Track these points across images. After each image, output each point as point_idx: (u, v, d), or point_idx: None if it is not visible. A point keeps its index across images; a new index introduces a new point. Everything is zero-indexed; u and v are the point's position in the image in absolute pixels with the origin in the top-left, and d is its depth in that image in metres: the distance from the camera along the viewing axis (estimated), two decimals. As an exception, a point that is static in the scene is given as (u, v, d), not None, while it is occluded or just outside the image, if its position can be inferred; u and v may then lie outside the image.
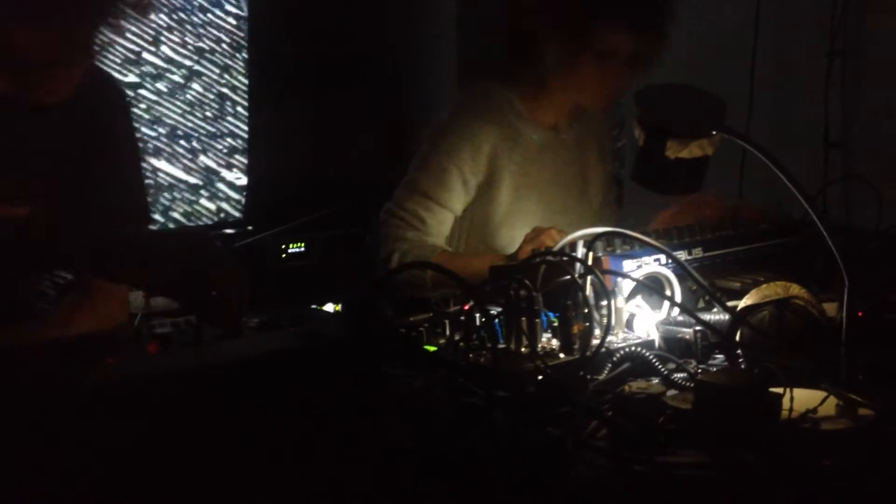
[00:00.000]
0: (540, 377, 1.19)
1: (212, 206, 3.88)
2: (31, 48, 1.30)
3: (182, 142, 3.74)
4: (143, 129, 3.57)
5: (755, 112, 2.82)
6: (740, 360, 1.27)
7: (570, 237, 1.48)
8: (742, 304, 1.35)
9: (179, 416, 0.82)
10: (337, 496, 0.89)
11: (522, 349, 1.29)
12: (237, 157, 3.95)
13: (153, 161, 3.62)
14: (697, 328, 1.33)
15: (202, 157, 3.82)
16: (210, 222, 3.88)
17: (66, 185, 1.51)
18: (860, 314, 1.30)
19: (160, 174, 3.65)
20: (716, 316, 1.38)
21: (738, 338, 1.30)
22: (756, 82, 2.85)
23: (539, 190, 2.11)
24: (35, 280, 1.59)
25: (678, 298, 1.44)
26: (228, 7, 3.83)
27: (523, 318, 1.30)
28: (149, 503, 0.80)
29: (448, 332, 1.36)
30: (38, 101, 1.39)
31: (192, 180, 3.79)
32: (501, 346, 1.30)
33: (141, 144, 3.33)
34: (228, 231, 3.90)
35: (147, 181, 3.54)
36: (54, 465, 0.79)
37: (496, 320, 1.30)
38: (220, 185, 3.90)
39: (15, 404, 0.83)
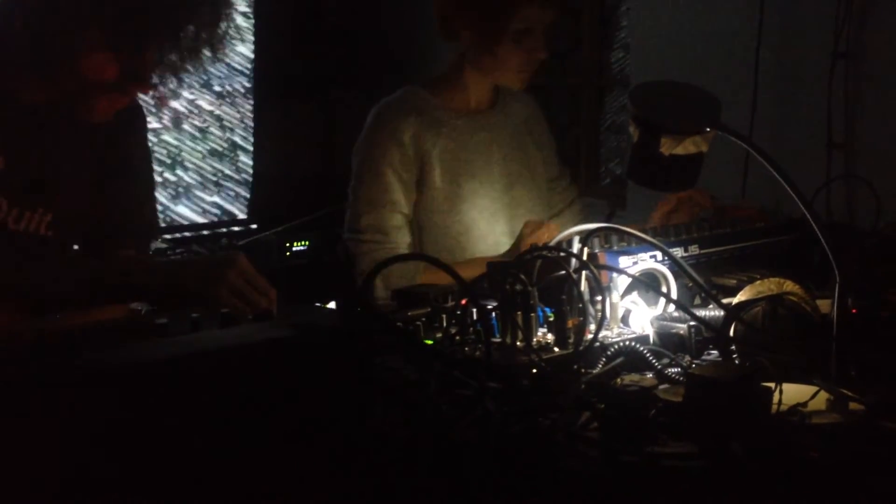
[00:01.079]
0: (534, 370, 1.20)
1: (216, 205, 3.90)
2: (93, 70, 1.36)
3: (187, 141, 3.76)
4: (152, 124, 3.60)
5: (758, 113, 2.83)
6: (733, 355, 1.28)
7: (566, 232, 1.50)
8: (736, 300, 1.36)
9: (173, 401, 0.83)
10: (327, 484, 0.90)
11: (518, 343, 1.30)
12: (242, 156, 3.97)
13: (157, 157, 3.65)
14: (692, 324, 1.34)
15: (206, 157, 3.85)
16: (214, 220, 3.91)
17: (88, 196, 1.56)
18: (854, 311, 1.31)
19: (165, 172, 3.68)
20: (710, 312, 1.39)
21: (731, 333, 1.30)
22: (759, 83, 2.85)
23: (476, 173, 2.10)
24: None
25: (674, 295, 1.45)
26: (235, 2, 3.85)
27: (519, 313, 1.31)
28: (143, 486, 0.81)
29: (445, 327, 1.37)
30: (79, 117, 1.45)
31: (197, 179, 3.82)
32: (497, 340, 1.31)
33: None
34: (233, 229, 3.93)
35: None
36: (55, 451, 0.81)
37: (492, 315, 1.32)
38: (225, 184, 3.93)
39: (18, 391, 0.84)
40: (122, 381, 0.81)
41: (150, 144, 1.71)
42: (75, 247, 1.61)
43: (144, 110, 1.67)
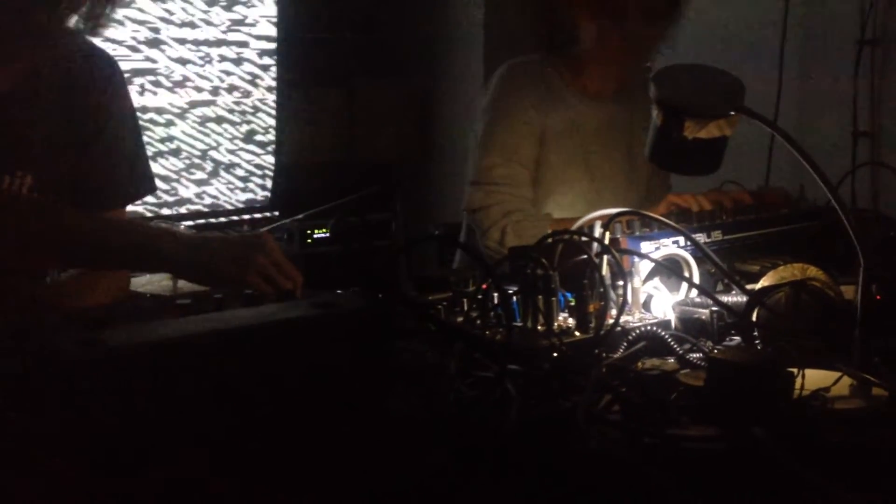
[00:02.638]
0: (554, 353, 1.20)
1: (239, 192, 3.91)
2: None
3: (211, 125, 3.77)
4: (171, 111, 3.61)
5: (783, 100, 2.81)
6: (756, 340, 1.27)
7: (587, 217, 1.49)
8: (759, 285, 1.35)
9: (193, 379, 0.84)
10: (347, 464, 0.90)
11: (539, 327, 1.30)
12: (265, 142, 3.98)
13: (180, 142, 3.66)
14: (714, 309, 1.34)
15: (229, 143, 3.86)
16: (238, 207, 3.92)
17: (68, 157, 1.54)
18: (878, 297, 1.30)
19: (186, 158, 3.70)
20: (733, 298, 1.38)
21: (754, 318, 1.30)
22: (784, 70, 2.83)
23: (585, 156, 2.15)
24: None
25: (696, 280, 1.45)
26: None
27: (540, 297, 1.31)
28: (162, 465, 0.82)
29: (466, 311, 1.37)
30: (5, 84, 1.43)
31: (221, 165, 3.83)
32: (519, 324, 1.31)
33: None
34: (255, 216, 3.94)
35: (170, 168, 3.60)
36: (76, 428, 0.82)
37: (514, 299, 1.32)
38: (247, 171, 3.94)
39: (41, 370, 0.85)
40: (144, 358, 0.82)
41: (131, 102, 1.67)
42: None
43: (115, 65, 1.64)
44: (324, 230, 3.81)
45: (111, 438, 0.80)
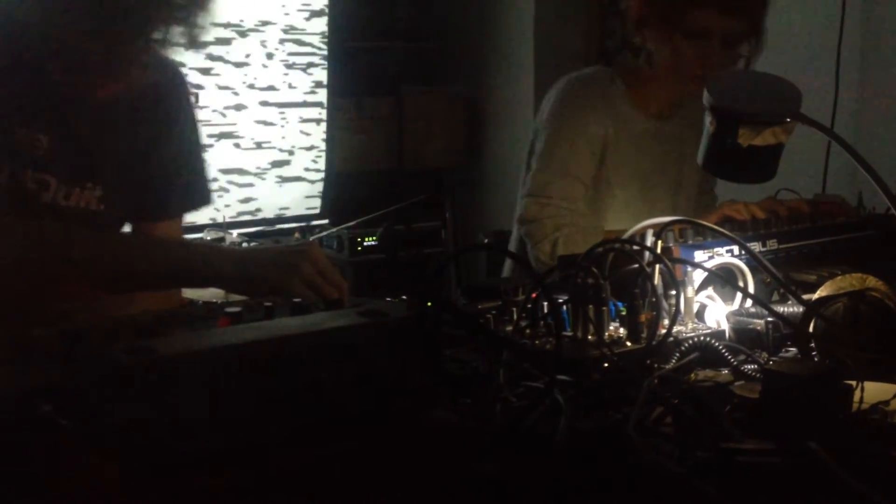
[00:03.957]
0: (605, 364, 1.19)
1: (290, 200, 3.94)
2: (80, 47, 1.35)
3: (263, 135, 3.81)
4: (223, 120, 3.66)
5: (840, 107, 2.75)
6: (812, 352, 1.24)
7: (639, 226, 1.48)
8: (816, 295, 1.32)
9: (241, 387, 0.84)
10: (393, 473, 0.90)
11: (589, 337, 1.28)
12: (315, 152, 4.01)
13: (229, 152, 3.70)
14: (769, 319, 1.31)
15: (280, 151, 3.89)
16: (289, 215, 3.95)
17: (133, 167, 1.57)
18: (941, 308, 1.26)
19: (235, 167, 3.73)
20: (789, 308, 1.35)
21: (810, 329, 1.27)
22: (842, 77, 2.78)
23: (640, 178, 2.14)
24: None
25: (751, 290, 1.42)
26: (310, 4, 3.89)
27: (590, 306, 1.29)
28: (214, 469, 0.83)
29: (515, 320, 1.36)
30: (93, 92, 1.45)
31: (271, 174, 3.86)
32: (568, 333, 1.30)
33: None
34: (305, 224, 3.97)
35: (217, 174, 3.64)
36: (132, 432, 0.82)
37: (563, 308, 1.31)
38: (298, 180, 3.97)
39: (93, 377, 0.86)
40: (197, 365, 0.82)
41: (195, 113, 1.69)
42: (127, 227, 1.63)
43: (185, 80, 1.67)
44: (373, 238, 3.83)
45: (160, 443, 0.81)
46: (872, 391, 1.06)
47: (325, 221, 3.98)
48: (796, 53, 2.95)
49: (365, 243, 3.83)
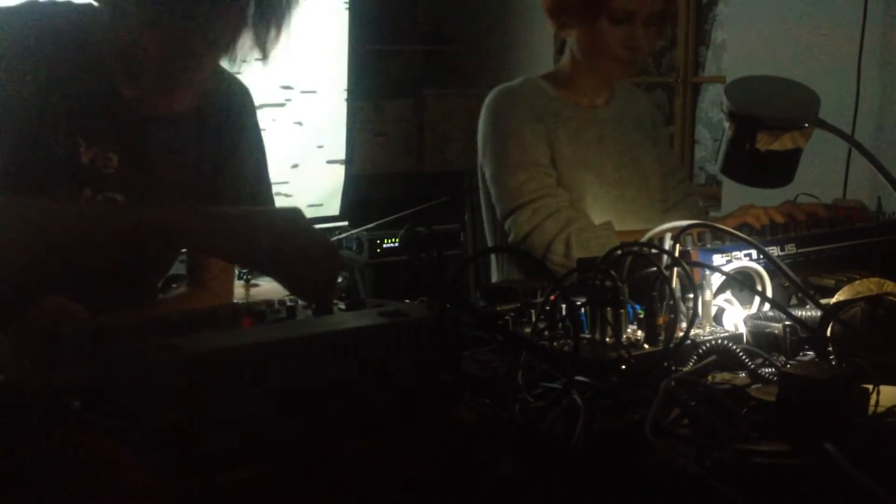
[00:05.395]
0: (622, 366, 1.20)
1: (309, 202, 3.97)
2: (153, 51, 1.34)
3: (279, 137, 3.84)
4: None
5: (861, 112, 2.75)
6: (830, 355, 1.25)
7: (657, 229, 1.48)
8: (834, 299, 1.33)
9: (264, 385, 0.86)
10: (412, 471, 0.91)
11: (607, 339, 1.30)
12: (336, 154, 4.03)
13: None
14: (787, 323, 1.32)
15: (299, 153, 3.91)
16: (309, 217, 3.97)
17: (200, 187, 1.57)
18: (960, 313, 1.26)
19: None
20: (807, 312, 1.36)
21: (828, 333, 1.27)
22: (863, 83, 2.78)
23: (589, 166, 2.14)
24: (150, 271, 1.65)
25: (769, 294, 1.43)
26: (330, 4, 3.91)
27: (608, 309, 1.30)
28: (239, 466, 0.84)
29: (533, 322, 1.37)
30: (164, 109, 1.46)
31: (291, 176, 3.89)
32: (586, 336, 1.31)
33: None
34: (325, 226, 4.00)
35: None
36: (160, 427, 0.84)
37: (582, 310, 1.32)
38: (318, 181, 3.99)
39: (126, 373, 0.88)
40: (237, 361, 0.84)
41: (261, 129, 1.68)
42: None
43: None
44: (393, 240, 3.85)
45: (186, 440, 0.83)
46: (889, 395, 1.07)
47: (345, 223, 4.01)
48: (818, 59, 2.94)
49: (384, 245, 3.85)
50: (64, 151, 1.41)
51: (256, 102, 1.69)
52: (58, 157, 1.41)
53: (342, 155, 4.04)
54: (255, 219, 1.19)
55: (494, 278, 2.34)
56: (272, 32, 1.35)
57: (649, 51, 2.11)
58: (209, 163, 1.58)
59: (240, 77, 1.61)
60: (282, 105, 3.81)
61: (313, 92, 3.91)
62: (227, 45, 1.34)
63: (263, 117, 3.70)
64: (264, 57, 1.38)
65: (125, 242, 1.20)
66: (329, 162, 4.01)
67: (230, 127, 1.60)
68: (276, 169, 3.80)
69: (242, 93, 1.64)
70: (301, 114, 3.87)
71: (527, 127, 2.08)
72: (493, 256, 2.37)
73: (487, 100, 2.18)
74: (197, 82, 1.43)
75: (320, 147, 3.97)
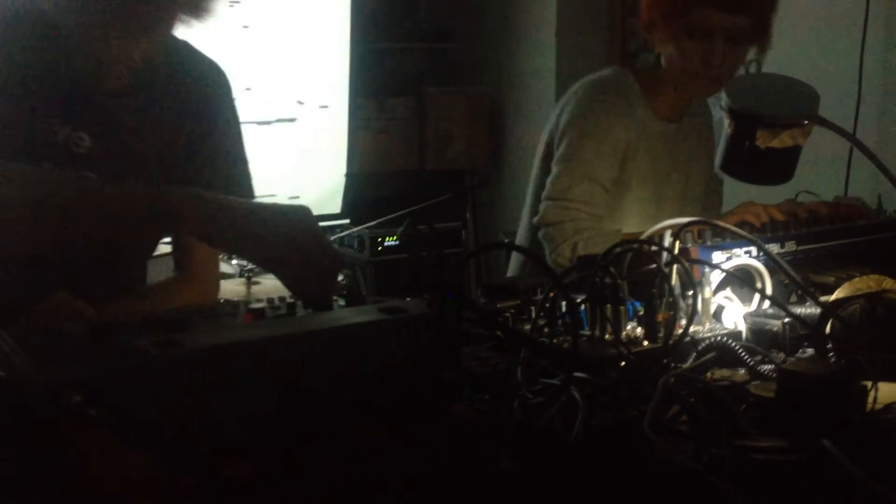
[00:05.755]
0: (622, 362, 1.20)
1: (311, 200, 3.97)
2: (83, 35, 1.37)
3: (282, 134, 3.84)
4: (248, 119, 3.69)
5: (863, 110, 2.75)
6: (829, 352, 1.25)
7: (657, 226, 1.49)
8: (833, 297, 1.33)
9: (264, 381, 0.86)
10: (411, 466, 0.92)
11: (606, 336, 1.30)
12: (336, 151, 4.03)
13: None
14: (786, 320, 1.32)
15: (300, 150, 3.91)
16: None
17: (177, 166, 1.58)
18: (959, 311, 1.26)
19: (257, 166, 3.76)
20: (806, 309, 1.36)
21: (827, 330, 1.28)
22: (865, 80, 2.78)
23: (654, 181, 2.18)
24: (136, 252, 1.66)
25: (769, 291, 1.43)
26: (332, 2, 3.91)
27: (608, 306, 1.31)
28: (239, 462, 0.85)
29: (533, 318, 1.38)
30: (103, 83, 1.46)
31: (291, 174, 3.89)
32: (586, 332, 1.31)
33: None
34: (326, 224, 4.00)
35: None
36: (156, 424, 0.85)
37: (581, 307, 1.32)
38: (319, 179, 3.99)
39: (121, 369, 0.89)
40: (237, 357, 0.85)
41: (236, 111, 1.69)
42: None
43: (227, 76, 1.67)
44: (394, 238, 3.85)
45: (187, 436, 0.83)
46: (887, 392, 1.07)
47: (346, 221, 4.01)
48: (819, 57, 2.94)
49: (386, 243, 3.86)
50: (39, 130, 1.43)
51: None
52: (34, 135, 1.42)
53: (344, 153, 4.04)
54: (262, 213, 1.18)
55: (510, 271, 2.35)
56: None
57: (733, 69, 2.05)
58: (184, 142, 1.59)
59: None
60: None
61: (319, 89, 3.90)
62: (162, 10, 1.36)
63: (267, 117, 3.72)
64: (199, 18, 1.40)
65: (129, 222, 1.20)
66: (330, 160, 4.01)
67: (204, 108, 1.61)
68: (277, 166, 3.82)
69: (216, 73, 1.65)
70: (304, 113, 3.88)
71: (610, 137, 2.10)
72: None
73: (582, 88, 2.19)
74: (150, 44, 1.43)
75: (322, 145, 3.97)
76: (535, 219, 2.14)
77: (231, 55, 3.51)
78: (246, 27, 3.59)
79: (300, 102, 3.87)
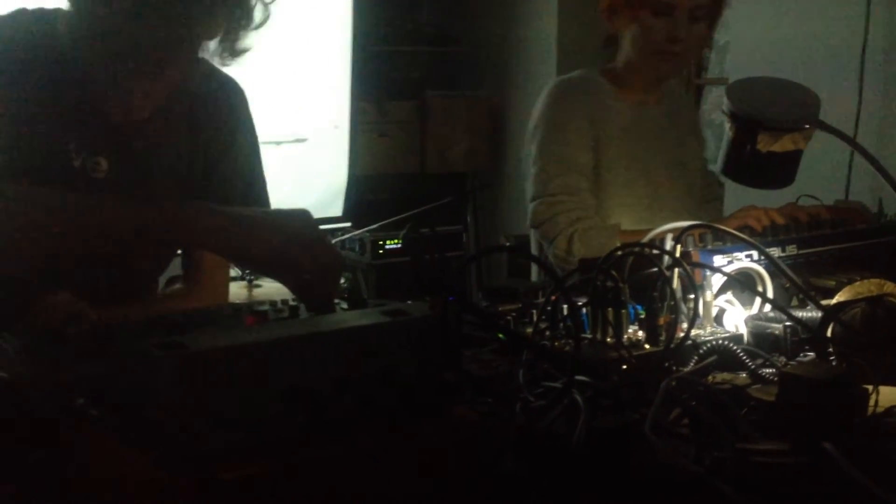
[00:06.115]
0: (623, 366, 1.20)
1: (312, 203, 3.97)
2: (104, 64, 1.35)
3: (284, 137, 3.84)
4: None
5: (864, 114, 2.75)
6: (830, 356, 1.25)
7: (659, 229, 1.49)
8: (834, 300, 1.33)
9: (268, 382, 0.87)
10: (413, 469, 0.92)
11: (608, 339, 1.30)
12: (337, 155, 4.03)
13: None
14: (788, 324, 1.32)
15: (303, 153, 3.91)
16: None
17: (194, 187, 1.58)
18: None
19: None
20: (807, 313, 1.36)
21: (828, 334, 1.28)
22: (866, 85, 2.78)
23: (639, 162, 2.19)
24: (148, 265, 1.66)
25: (770, 295, 1.43)
26: (333, 5, 3.91)
27: (609, 309, 1.31)
28: (241, 463, 0.85)
29: (535, 321, 1.38)
30: (128, 117, 1.45)
31: (293, 177, 3.89)
32: (588, 335, 1.31)
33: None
34: (328, 227, 4.00)
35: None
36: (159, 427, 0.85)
37: (583, 311, 1.32)
38: (320, 182, 3.99)
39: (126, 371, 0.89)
40: (241, 359, 0.85)
41: (254, 128, 1.68)
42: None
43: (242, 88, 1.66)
44: (395, 241, 3.85)
45: (190, 437, 0.83)
46: (888, 395, 1.07)
47: (348, 224, 4.01)
48: (820, 61, 2.95)
49: (387, 246, 3.86)
50: (57, 156, 1.42)
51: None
52: (51, 162, 1.42)
53: (345, 156, 4.05)
54: (264, 219, 1.19)
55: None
56: (242, 32, 1.37)
57: (697, 45, 2.15)
58: (200, 163, 1.59)
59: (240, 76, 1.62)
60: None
61: (320, 92, 3.90)
62: (195, 47, 1.35)
63: (270, 117, 3.72)
64: (233, 56, 1.39)
65: (136, 236, 1.20)
66: (332, 163, 4.01)
67: (221, 126, 1.61)
68: (278, 169, 3.82)
69: (234, 92, 1.64)
70: (305, 114, 3.87)
71: (574, 125, 2.14)
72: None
73: (546, 90, 2.24)
74: (171, 81, 1.42)
75: (323, 148, 3.97)
76: (528, 221, 2.18)
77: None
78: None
79: (301, 105, 3.87)
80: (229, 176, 1.62)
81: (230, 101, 1.63)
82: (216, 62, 1.42)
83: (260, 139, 1.70)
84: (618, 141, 2.17)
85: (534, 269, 2.37)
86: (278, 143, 3.82)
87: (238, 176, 1.64)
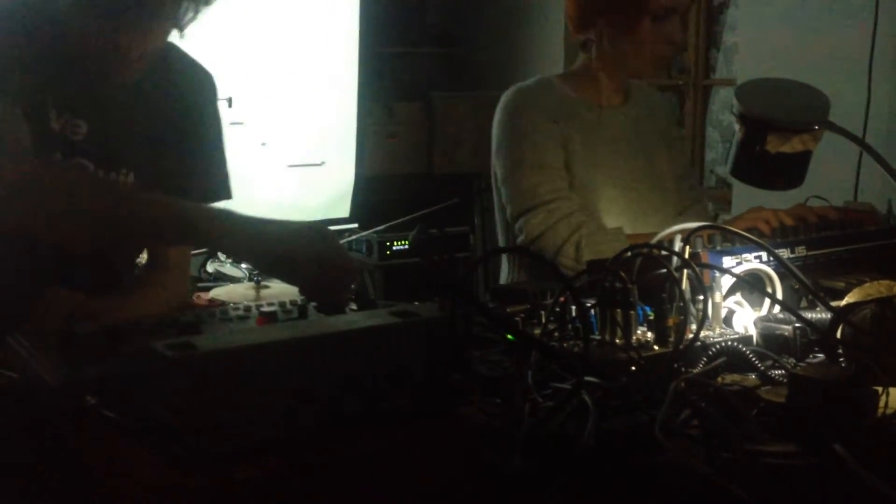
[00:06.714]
0: (632, 367, 1.20)
1: (319, 204, 3.98)
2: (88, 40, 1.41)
3: (290, 139, 3.84)
4: (251, 124, 3.70)
5: (872, 115, 2.75)
6: (839, 357, 1.25)
7: (667, 231, 1.49)
8: (844, 302, 1.33)
9: (277, 382, 0.87)
10: (421, 469, 0.92)
11: (617, 340, 1.30)
12: (344, 156, 4.04)
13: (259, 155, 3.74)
14: (797, 325, 1.32)
15: (311, 155, 3.92)
16: (318, 219, 3.98)
17: (164, 156, 1.63)
18: (970, 316, 1.26)
19: (267, 170, 3.77)
20: (817, 314, 1.36)
21: (838, 335, 1.27)
22: (874, 85, 2.77)
23: (606, 166, 2.13)
24: (129, 253, 1.71)
25: (779, 296, 1.43)
26: (340, 7, 3.92)
27: (618, 311, 1.31)
28: (251, 462, 0.85)
29: (543, 323, 1.38)
30: (124, 76, 1.50)
31: (301, 178, 3.89)
32: (596, 337, 1.31)
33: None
34: (335, 228, 4.01)
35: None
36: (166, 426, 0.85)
37: (592, 312, 1.32)
38: (328, 183, 4.00)
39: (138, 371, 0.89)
40: (250, 359, 0.85)
41: (220, 112, 1.76)
42: None
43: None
44: (402, 242, 3.86)
45: (199, 436, 0.84)
46: (899, 397, 1.07)
47: (355, 225, 4.02)
48: (829, 62, 2.94)
49: (394, 247, 3.86)
50: (35, 118, 1.46)
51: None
52: (33, 123, 1.45)
53: (352, 157, 4.05)
54: (283, 230, 1.21)
55: (503, 280, 2.34)
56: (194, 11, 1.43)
57: (666, 50, 2.10)
58: (171, 133, 1.65)
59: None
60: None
61: (327, 94, 3.91)
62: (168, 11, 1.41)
63: (272, 119, 3.73)
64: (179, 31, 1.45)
65: (156, 233, 1.25)
66: (339, 164, 4.02)
67: (192, 103, 1.68)
68: (285, 170, 3.83)
69: (204, 75, 1.72)
70: (310, 116, 3.88)
71: (541, 128, 2.08)
72: (504, 258, 2.37)
73: (502, 100, 2.18)
74: (147, 49, 1.47)
75: (330, 149, 3.98)
76: (521, 239, 2.08)
77: (235, 58, 3.54)
78: (253, 31, 3.60)
79: (308, 106, 3.87)
80: (192, 152, 1.68)
81: (200, 83, 1.71)
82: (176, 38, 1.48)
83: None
84: (582, 145, 2.11)
85: (503, 266, 2.34)
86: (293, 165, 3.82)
87: (199, 153, 1.70)
